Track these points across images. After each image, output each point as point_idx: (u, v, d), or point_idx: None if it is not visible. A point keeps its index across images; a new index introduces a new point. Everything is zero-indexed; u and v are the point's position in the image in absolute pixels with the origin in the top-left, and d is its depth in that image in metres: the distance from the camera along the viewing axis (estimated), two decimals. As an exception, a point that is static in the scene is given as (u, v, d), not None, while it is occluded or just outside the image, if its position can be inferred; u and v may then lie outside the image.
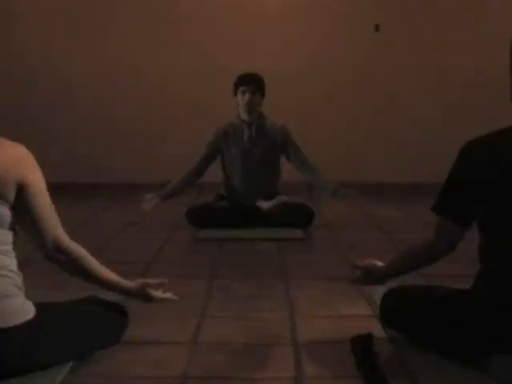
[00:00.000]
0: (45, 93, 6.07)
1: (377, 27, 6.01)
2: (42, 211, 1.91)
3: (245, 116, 4.25)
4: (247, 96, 4.19)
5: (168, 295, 2.24)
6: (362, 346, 2.08)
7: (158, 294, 2.21)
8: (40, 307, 1.91)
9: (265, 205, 4.22)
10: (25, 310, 1.85)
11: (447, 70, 5.99)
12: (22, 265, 1.95)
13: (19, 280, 1.89)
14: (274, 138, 4.28)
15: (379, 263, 2.27)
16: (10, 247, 1.88)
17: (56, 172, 6.10)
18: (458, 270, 2.92)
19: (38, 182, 1.90)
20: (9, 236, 1.88)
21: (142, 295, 2.19)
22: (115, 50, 6.05)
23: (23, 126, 5.70)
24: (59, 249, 1.99)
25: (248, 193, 4.27)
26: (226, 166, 4.34)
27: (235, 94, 4.28)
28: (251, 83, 4.21)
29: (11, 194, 1.83)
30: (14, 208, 1.86)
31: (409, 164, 6.06)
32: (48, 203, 1.95)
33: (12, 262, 1.88)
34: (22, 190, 1.85)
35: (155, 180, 6.17)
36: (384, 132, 6.12)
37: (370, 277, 2.27)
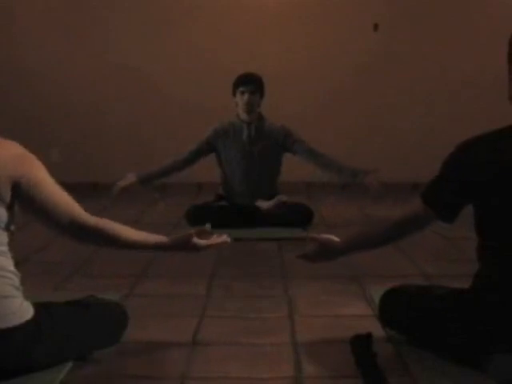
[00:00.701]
0: (44, 93, 6.07)
1: (375, 27, 6.01)
2: (50, 200, 1.91)
3: (244, 116, 4.25)
4: (246, 96, 4.19)
5: (217, 240, 2.17)
6: (362, 345, 2.08)
7: (203, 242, 2.14)
8: (39, 307, 1.91)
9: (264, 205, 4.22)
10: (23, 311, 1.85)
11: (447, 69, 5.99)
12: (20, 265, 1.94)
13: (17, 280, 1.89)
14: (273, 137, 4.28)
15: (335, 238, 2.22)
16: (6, 247, 1.88)
17: (56, 172, 6.11)
18: (458, 270, 2.93)
19: (38, 174, 1.90)
20: (5, 236, 1.87)
21: (186, 247, 2.12)
22: (115, 50, 6.05)
23: (23, 126, 5.70)
24: (80, 228, 1.98)
25: (248, 193, 4.27)
26: (225, 166, 4.34)
27: (234, 95, 4.28)
28: (250, 83, 4.21)
29: (7, 194, 1.82)
30: (21, 204, 1.87)
31: (409, 164, 6.06)
32: (54, 191, 1.94)
33: (9, 263, 1.87)
34: (21, 186, 1.84)
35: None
36: (384, 132, 6.12)
37: (327, 252, 2.23)
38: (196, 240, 2.12)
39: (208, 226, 2.17)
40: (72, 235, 2.02)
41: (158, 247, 2.15)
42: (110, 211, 5.19)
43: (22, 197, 1.87)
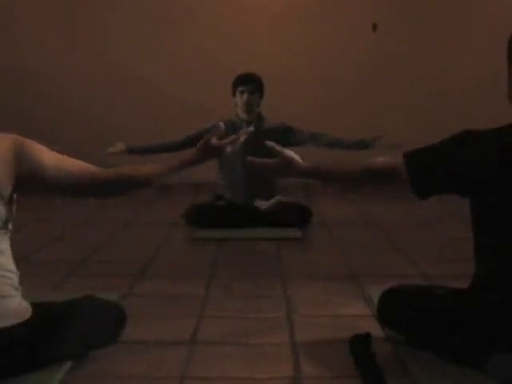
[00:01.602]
0: (44, 93, 6.07)
1: (374, 27, 6.01)
2: (62, 172, 1.92)
3: (243, 116, 4.26)
4: (246, 96, 4.20)
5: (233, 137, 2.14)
6: (361, 345, 2.08)
7: (222, 141, 2.11)
8: (38, 307, 1.90)
9: (263, 205, 4.22)
10: (22, 310, 1.85)
11: (447, 69, 5.99)
12: (19, 264, 1.94)
13: (16, 280, 1.88)
14: (273, 135, 4.27)
15: (299, 158, 2.15)
16: (5, 246, 1.87)
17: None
18: (457, 270, 2.93)
19: (38, 155, 1.88)
20: (3, 235, 1.86)
21: (208, 152, 2.11)
22: (115, 50, 6.05)
23: (23, 126, 5.69)
24: (102, 183, 1.99)
25: (247, 192, 4.27)
26: (224, 164, 4.33)
27: (234, 94, 4.29)
28: (250, 83, 4.21)
29: (7, 189, 1.82)
30: (36, 190, 1.90)
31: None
32: (62, 163, 1.94)
33: (8, 261, 1.87)
34: (25, 175, 1.84)
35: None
36: (384, 132, 6.10)
37: (287, 168, 2.14)
38: (215, 141, 2.10)
39: (221, 124, 2.16)
40: (96, 194, 2.04)
41: (182, 167, 2.14)
42: (110, 210, 5.20)
43: (32, 183, 1.87)
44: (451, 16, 5.99)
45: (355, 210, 5.16)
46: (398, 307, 2.19)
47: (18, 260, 1.94)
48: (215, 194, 4.44)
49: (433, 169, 1.91)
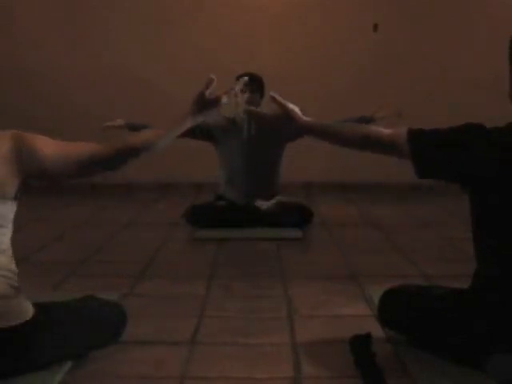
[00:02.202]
0: (44, 93, 6.07)
1: (375, 27, 6.01)
2: (61, 157, 1.92)
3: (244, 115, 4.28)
4: (247, 94, 4.21)
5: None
6: (361, 345, 2.08)
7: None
8: (38, 307, 1.90)
9: (264, 205, 4.22)
10: (23, 310, 1.85)
11: (447, 69, 5.99)
12: (20, 264, 1.94)
13: (16, 280, 1.88)
14: (272, 131, 4.29)
15: (300, 112, 2.17)
16: (6, 246, 1.87)
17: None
18: (457, 270, 2.93)
19: (39, 149, 1.89)
20: (5, 234, 1.86)
21: (203, 104, 2.14)
22: (115, 50, 6.05)
23: (23, 126, 5.69)
24: (101, 159, 1.99)
25: (247, 191, 4.27)
26: (225, 162, 4.33)
27: (234, 95, 4.30)
28: (251, 82, 4.23)
29: (12, 188, 1.82)
30: (41, 179, 1.93)
31: (408, 164, 6.04)
32: (59, 147, 1.95)
33: (9, 261, 1.87)
34: (28, 170, 1.85)
35: (153, 180, 6.20)
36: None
37: (287, 118, 2.19)
38: (209, 93, 2.12)
39: (212, 76, 2.17)
40: (100, 170, 2.02)
41: (181, 124, 2.15)
42: (110, 210, 5.20)
43: (36, 175, 1.89)
44: (451, 16, 5.99)
45: (356, 210, 5.16)
46: (398, 307, 2.19)
47: (19, 260, 1.94)
48: (215, 194, 4.44)
49: (435, 155, 1.91)
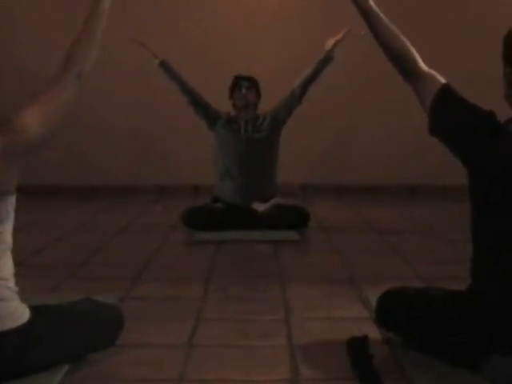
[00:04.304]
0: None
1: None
2: (46, 122, 1.90)
3: (241, 114, 4.32)
4: (243, 91, 4.27)
5: None
6: (358, 347, 2.08)
7: None
8: (35, 310, 1.90)
9: (261, 207, 4.22)
10: (19, 313, 1.85)
11: (446, 69, 5.98)
12: (17, 267, 1.94)
13: (13, 282, 1.88)
14: (266, 125, 4.32)
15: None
16: (5, 246, 1.85)
17: (53, 175, 6.11)
18: (455, 272, 2.93)
19: (25, 135, 1.82)
20: (5, 234, 1.84)
21: None
22: (114, 50, 6.04)
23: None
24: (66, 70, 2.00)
25: (244, 190, 4.27)
26: (222, 165, 4.34)
27: (231, 96, 4.35)
28: (247, 81, 4.31)
29: (7, 184, 1.80)
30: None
31: (407, 166, 6.06)
32: (43, 115, 1.91)
33: (4, 262, 1.84)
34: (22, 158, 1.81)
35: (153, 182, 6.20)
36: (382, 133, 6.12)
37: None
38: None
39: None
40: (74, 81, 2.00)
41: None
42: (108, 213, 5.20)
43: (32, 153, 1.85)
44: (451, 17, 5.99)
45: (353, 212, 5.16)
46: (396, 309, 2.19)
47: (16, 262, 1.94)
48: (213, 196, 4.44)
49: (451, 123, 1.97)
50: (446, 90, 1.99)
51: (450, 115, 1.96)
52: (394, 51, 2.16)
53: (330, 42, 4.27)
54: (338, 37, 4.29)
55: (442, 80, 2.02)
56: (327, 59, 4.29)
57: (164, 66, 4.45)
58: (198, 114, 4.41)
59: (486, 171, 1.86)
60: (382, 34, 2.19)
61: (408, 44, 2.14)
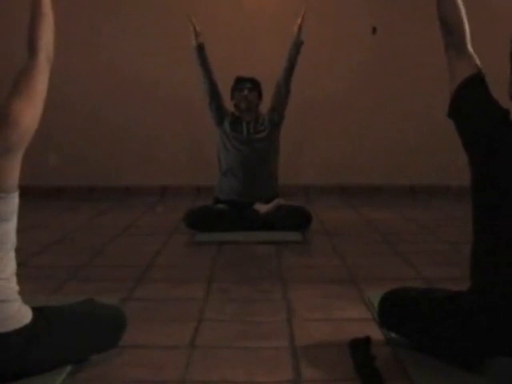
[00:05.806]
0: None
1: (374, 30, 6.02)
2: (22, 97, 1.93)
3: (243, 114, 4.33)
4: (245, 91, 4.27)
5: None
6: (360, 349, 2.08)
7: None
8: (37, 311, 1.90)
9: (263, 208, 4.22)
10: (22, 315, 1.85)
11: (446, 71, 5.99)
12: (19, 269, 1.93)
13: (16, 284, 1.88)
14: (266, 124, 4.33)
15: None
16: (9, 246, 1.84)
17: (53, 176, 6.11)
18: (457, 273, 2.93)
19: (14, 131, 1.82)
20: (9, 232, 1.83)
21: None
22: (112, 52, 6.05)
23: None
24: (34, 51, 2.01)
25: (246, 190, 4.27)
26: (224, 165, 4.34)
27: (232, 97, 4.35)
28: (249, 82, 4.32)
29: (14, 179, 1.79)
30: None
31: (407, 167, 6.07)
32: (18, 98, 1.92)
33: (6, 264, 1.84)
34: (19, 151, 1.81)
35: (152, 184, 6.20)
36: (382, 134, 6.12)
37: None
38: None
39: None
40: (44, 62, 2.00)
41: None
42: (109, 214, 5.20)
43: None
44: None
45: (355, 213, 5.16)
46: (398, 310, 2.19)
47: (18, 264, 1.94)
48: (215, 197, 4.44)
49: (469, 110, 1.99)
50: (475, 79, 2.01)
51: (472, 104, 1.99)
52: (448, 19, 2.24)
53: (295, 28, 4.37)
54: (299, 21, 4.41)
55: (477, 68, 2.04)
56: (296, 44, 4.39)
57: (200, 49, 4.44)
58: (212, 106, 4.38)
59: (495, 156, 1.86)
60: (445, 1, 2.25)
61: (465, 19, 2.22)
